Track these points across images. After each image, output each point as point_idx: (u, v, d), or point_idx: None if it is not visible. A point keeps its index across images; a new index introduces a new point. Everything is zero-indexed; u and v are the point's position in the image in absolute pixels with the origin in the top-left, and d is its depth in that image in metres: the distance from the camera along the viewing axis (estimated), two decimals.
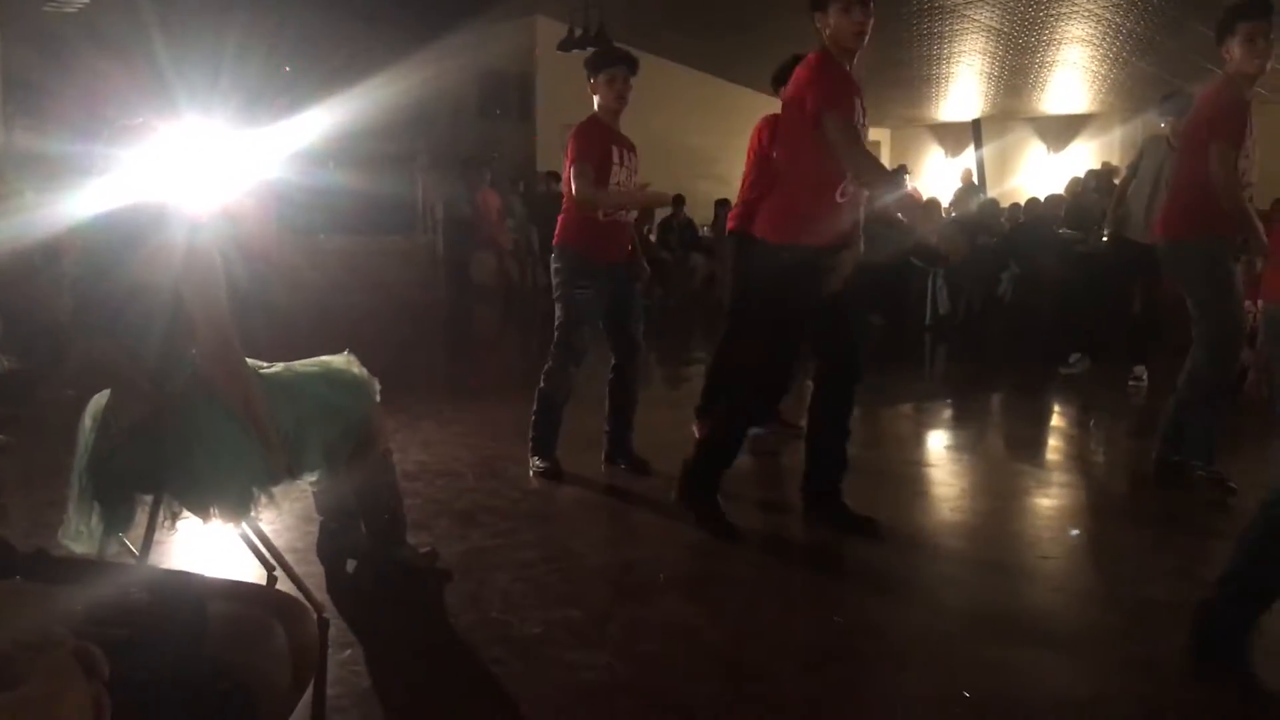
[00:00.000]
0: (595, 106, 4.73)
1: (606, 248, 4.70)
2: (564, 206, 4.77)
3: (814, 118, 3.74)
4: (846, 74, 3.81)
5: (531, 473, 4.83)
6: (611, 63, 4.70)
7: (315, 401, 3.00)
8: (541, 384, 4.80)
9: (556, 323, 4.74)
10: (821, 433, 4.15)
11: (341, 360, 3.23)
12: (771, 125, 5.09)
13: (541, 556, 3.79)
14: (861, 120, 3.82)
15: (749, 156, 5.36)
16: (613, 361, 4.93)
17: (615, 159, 4.65)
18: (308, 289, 10.80)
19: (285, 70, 14.62)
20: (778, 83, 5.00)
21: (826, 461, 4.16)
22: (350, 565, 3.51)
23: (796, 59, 4.96)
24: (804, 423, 4.31)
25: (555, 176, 12.18)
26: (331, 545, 3.48)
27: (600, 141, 4.63)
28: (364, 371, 3.22)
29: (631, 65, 4.70)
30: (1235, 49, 4.39)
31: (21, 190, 9.92)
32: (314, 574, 3.37)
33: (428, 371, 7.96)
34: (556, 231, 4.79)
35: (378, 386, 3.21)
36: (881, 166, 3.87)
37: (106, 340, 2.77)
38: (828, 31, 3.79)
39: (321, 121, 13.84)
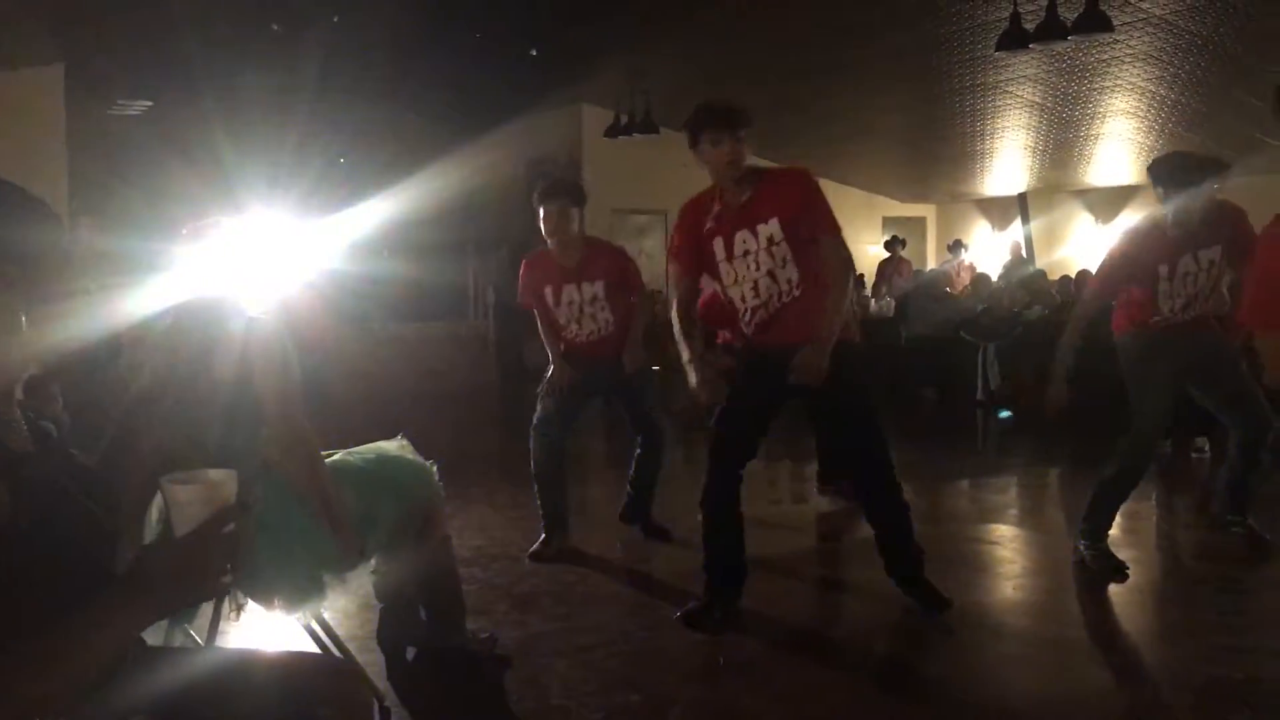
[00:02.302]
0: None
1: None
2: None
3: None
4: (696, 215, 3.80)
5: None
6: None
7: (382, 483, 3.04)
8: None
9: None
10: (875, 525, 4.00)
11: (394, 446, 3.28)
12: None
13: (601, 640, 3.77)
14: (750, 246, 3.72)
15: None
16: (638, 439, 5.08)
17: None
18: (362, 377, 10.94)
19: (341, 161, 15.02)
20: None
21: (890, 550, 3.99)
22: (410, 652, 3.51)
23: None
24: None
25: None
26: (391, 632, 3.48)
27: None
28: (418, 457, 3.26)
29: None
30: None
31: (87, 287, 10.21)
32: (374, 662, 3.37)
33: (481, 455, 8.00)
34: None
35: (436, 472, 3.25)
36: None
37: (169, 430, 2.83)
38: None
39: (375, 211, 14.17)
